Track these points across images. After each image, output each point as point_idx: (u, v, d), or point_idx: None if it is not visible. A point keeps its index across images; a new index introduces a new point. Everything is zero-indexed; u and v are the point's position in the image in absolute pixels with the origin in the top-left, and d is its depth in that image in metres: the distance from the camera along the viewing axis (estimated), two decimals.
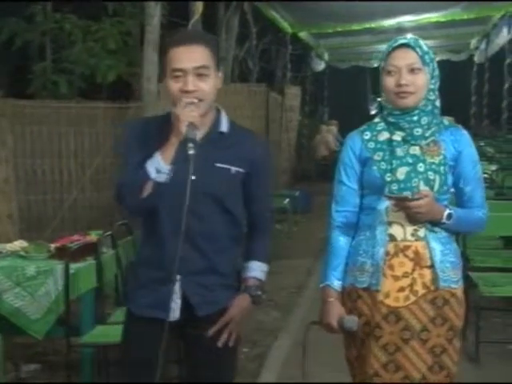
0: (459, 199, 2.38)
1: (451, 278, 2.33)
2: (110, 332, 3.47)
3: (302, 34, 14.88)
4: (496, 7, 12.50)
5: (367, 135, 2.39)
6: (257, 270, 2.34)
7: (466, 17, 12.60)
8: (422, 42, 2.33)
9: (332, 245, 2.42)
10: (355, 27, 13.28)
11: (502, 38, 13.83)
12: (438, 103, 2.36)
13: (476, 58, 17.71)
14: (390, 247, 2.31)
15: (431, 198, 2.24)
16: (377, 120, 2.43)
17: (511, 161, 9.23)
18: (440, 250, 2.32)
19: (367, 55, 16.19)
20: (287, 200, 9.13)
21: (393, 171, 2.30)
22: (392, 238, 2.31)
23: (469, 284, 4.37)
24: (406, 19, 13.02)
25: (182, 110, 2.12)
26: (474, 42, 17.33)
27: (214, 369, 2.32)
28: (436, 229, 2.32)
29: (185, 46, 2.17)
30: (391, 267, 2.31)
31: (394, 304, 2.30)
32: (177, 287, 2.21)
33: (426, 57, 2.31)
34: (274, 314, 5.45)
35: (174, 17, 8.39)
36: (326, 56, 18.10)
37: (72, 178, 7.55)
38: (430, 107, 2.33)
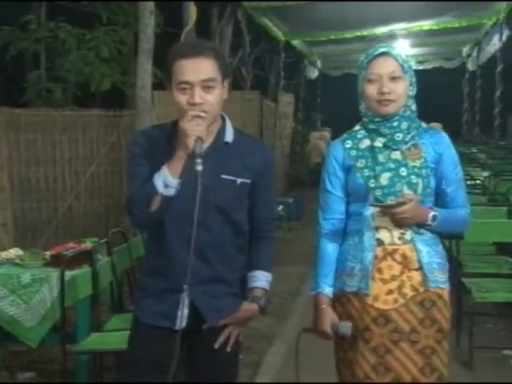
0: (442, 200, 2.40)
1: (439, 279, 2.37)
2: (105, 339, 3.50)
3: (295, 42, 14.94)
4: (486, 15, 12.60)
5: (348, 144, 2.43)
6: (262, 279, 2.33)
7: (457, 25, 12.68)
8: (400, 52, 2.38)
9: (321, 252, 2.46)
10: (348, 35, 13.34)
11: (494, 45, 13.93)
12: (414, 107, 2.40)
13: (468, 66, 17.82)
14: (379, 251, 2.35)
15: (415, 201, 2.28)
16: (357, 128, 2.46)
17: (503, 167, 9.23)
18: (426, 251, 2.36)
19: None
20: (281, 207, 9.16)
21: (376, 177, 2.34)
22: (380, 242, 2.35)
23: (462, 290, 4.41)
24: (399, 27, 13.10)
25: (189, 123, 2.10)
26: (466, 50, 17.40)
27: (215, 373, 2.35)
28: (422, 231, 2.36)
29: (191, 58, 2.15)
30: (380, 271, 2.35)
31: (383, 307, 2.33)
32: (184, 297, 2.22)
33: (406, 65, 2.36)
34: (268, 320, 5.35)
35: (167, 26, 8.44)
36: (319, 64, 18.15)
37: (66, 185, 7.56)
38: (408, 112, 2.37)
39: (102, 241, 4.01)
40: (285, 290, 6.41)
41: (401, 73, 2.33)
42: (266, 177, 2.32)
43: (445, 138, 2.43)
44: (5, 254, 3.98)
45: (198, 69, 2.15)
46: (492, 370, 4.19)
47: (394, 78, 2.33)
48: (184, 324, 2.22)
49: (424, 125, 2.44)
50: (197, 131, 2.10)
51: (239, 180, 2.25)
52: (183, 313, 2.23)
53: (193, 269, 2.17)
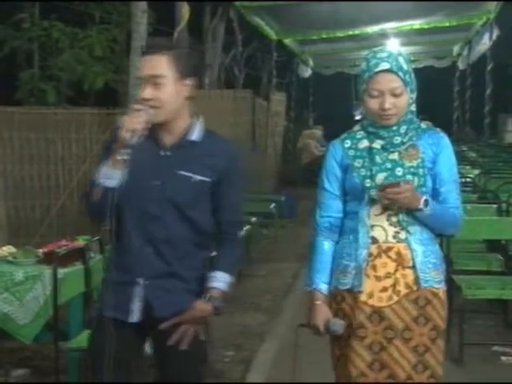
0: (435, 199, 2.41)
1: (433, 279, 2.39)
2: None
3: (287, 41, 14.97)
4: (477, 15, 12.67)
5: (347, 143, 2.45)
6: (220, 280, 2.34)
7: (448, 24, 12.75)
8: (401, 60, 2.34)
9: (317, 249, 2.48)
10: (339, 34, 13.37)
11: (484, 44, 14.00)
12: (413, 108, 2.41)
13: (459, 64, 17.89)
14: (373, 249, 2.38)
15: (412, 184, 2.30)
16: (356, 128, 2.49)
17: (493, 165, 9.29)
18: (422, 251, 2.38)
19: (351, 61, 16.22)
20: (273, 204, 9.18)
21: (372, 177, 2.36)
22: (374, 240, 2.38)
23: (452, 287, 4.42)
24: (390, 26, 13.15)
25: (127, 116, 2.19)
26: (456, 49, 17.47)
27: (178, 372, 2.38)
28: (417, 231, 2.38)
29: (147, 55, 2.26)
30: (374, 268, 2.38)
31: (377, 304, 2.36)
32: (139, 290, 2.29)
33: (407, 77, 2.34)
34: (260, 317, 5.46)
35: (160, 25, 8.46)
36: (311, 62, 18.18)
37: (60, 183, 7.55)
38: (409, 116, 2.39)
39: (95, 238, 4.02)
40: (277, 287, 6.45)
41: (403, 88, 2.33)
42: (229, 178, 2.34)
43: (443, 138, 2.44)
44: None
45: (149, 65, 2.24)
46: (482, 366, 4.24)
47: (395, 94, 2.32)
48: (137, 318, 2.28)
49: (423, 125, 2.45)
50: (134, 124, 2.16)
51: (197, 177, 2.28)
52: (136, 306, 2.28)
53: (148, 263, 2.25)
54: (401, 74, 2.31)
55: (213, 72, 11.72)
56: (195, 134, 2.33)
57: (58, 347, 3.52)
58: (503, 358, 4.39)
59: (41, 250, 3.91)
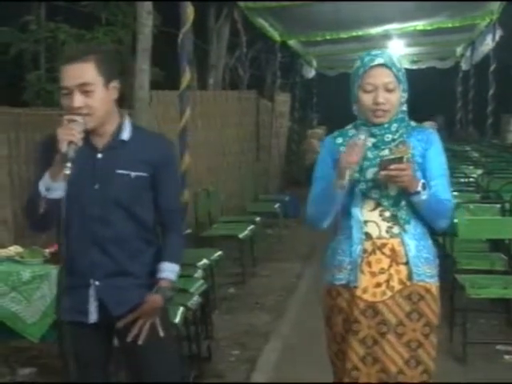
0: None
1: (425, 273, 2.45)
2: None
3: (291, 42, 14.99)
4: (480, 15, 12.69)
5: (339, 140, 2.53)
6: (167, 271, 2.39)
7: (451, 25, 12.76)
8: (395, 59, 2.44)
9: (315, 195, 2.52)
10: (343, 35, 13.37)
11: (487, 45, 14.03)
12: (405, 107, 2.49)
13: (462, 65, 17.90)
14: (368, 245, 2.44)
15: (411, 168, 2.34)
16: (349, 127, 2.57)
17: (496, 165, 9.31)
18: (415, 245, 2.44)
19: (355, 62, 16.22)
20: (277, 205, 9.24)
21: (361, 171, 2.42)
22: (368, 236, 2.44)
23: (455, 286, 4.49)
24: (393, 27, 13.17)
25: (60, 128, 2.17)
26: (459, 50, 17.47)
27: (143, 363, 2.39)
28: (410, 225, 2.44)
29: (68, 64, 2.24)
30: (369, 264, 2.43)
31: (371, 299, 2.42)
32: (92, 291, 2.34)
33: (400, 74, 2.42)
34: (264, 317, 5.48)
35: (165, 26, 8.51)
36: (315, 63, 18.21)
37: None
38: (400, 115, 2.46)
39: None
40: (281, 286, 6.48)
41: (396, 84, 2.40)
42: (164, 170, 2.39)
43: (432, 134, 2.51)
44: (5, 252, 4.00)
45: (74, 74, 2.23)
46: (485, 364, 4.27)
47: (388, 89, 2.39)
48: (95, 318, 2.34)
49: (413, 123, 2.52)
50: (69, 135, 2.15)
51: (134, 173, 2.33)
52: (92, 307, 2.34)
53: (97, 264, 2.30)
54: (394, 69, 2.39)
55: (217, 73, 11.76)
56: (125, 134, 2.37)
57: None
58: (506, 357, 4.42)
59: (47, 250, 3.92)
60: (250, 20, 11.79)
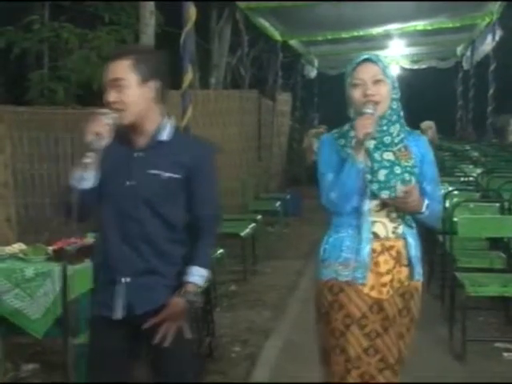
0: (421, 197, 2.53)
1: (419, 272, 2.60)
2: None
3: (292, 42, 15.04)
4: (480, 15, 12.73)
5: (342, 142, 2.56)
6: (195, 275, 2.37)
7: (451, 25, 12.81)
8: (381, 58, 2.55)
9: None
10: (344, 35, 13.43)
11: (487, 45, 14.07)
12: (401, 113, 2.56)
13: (463, 65, 17.93)
14: (376, 245, 2.51)
15: (416, 189, 2.47)
16: (347, 128, 2.58)
17: (496, 164, 9.33)
18: (414, 245, 2.57)
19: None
20: (278, 203, 9.28)
21: (373, 173, 2.49)
22: (376, 235, 2.51)
23: (455, 284, 4.52)
24: (394, 27, 13.21)
25: (91, 121, 2.27)
26: (460, 49, 17.53)
27: (167, 366, 2.41)
28: (412, 225, 2.58)
29: (109, 62, 2.36)
30: (377, 264, 2.51)
31: (378, 296, 2.52)
32: (121, 288, 2.36)
33: (387, 70, 2.52)
34: (265, 313, 5.51)
35: (167, 26, 8.55)
36: (316, 63, 18.25)
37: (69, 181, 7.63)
38: (395, 117, 2.53)
39: None
40: (282, 284, 6.52)
41: (383, 76, 2.48)
42: (198, 174, 2.39)
43: (425, 140, 2.64)
44: (8, 249, 4.02)
45: (111, 70, 2.33)
46: (484, 362, 4.30)
47: (376, 82, 2.47)
48: (120, 314, 2.36)
49: (407, 128, 2.61)
50: (96, 127, 2.24)
51: (165, 174, 2.35)
52: (118, 303, 2.36)
53: (127, 261, 2.33)
54: (380, 64, 2.49)
55: (219, 72, 11.81)
56: (164, 134, 2.40)
57: (68, 342, 3.56)
58: (505, 355, 4.45)
59: (50, 248, 3.94)
60: (251, 20, 11.83)
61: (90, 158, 2.22)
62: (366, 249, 2.49)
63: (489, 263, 5.05)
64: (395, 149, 2.52)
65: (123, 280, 2.36)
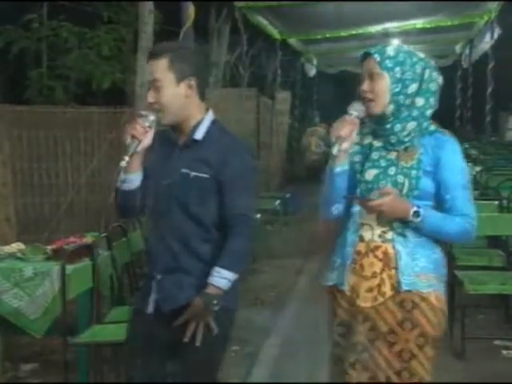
0: (442, 207, 2.28)
1: (418, 282, 2.25)
2: (105, 331, 3.57)
3: (291, 40, 15.05)
4: (478, 14, 12.75)
5: (356, 138, 2.35)
6: (218, 277, 2.30)
7: (450, 23, 12.82)
8: (387, 48, 2.28)
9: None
10: (343, 33, 13.45)
11: (486, 43, 14.08)
12: (425, 111, 2.30)
13: (462, 63, 17.94)
14: (361, 247, 2.31)
15: (394, 195, 2.19)
16: (364, 124, 2.41)
17: (494, 162, 9.34)
18: (406, 253, 2.26)
19: (355, 60, 16.24)
20: (278, 201, 9.29)
21: (362, 172, 2.32)
22: (361, 238, 2.32)
23: (454, 282, 4.47)
24: (392, 25, 13.22)
25: (131, 122, 2.27)
26: (458, 48, 17.54)
27: (191, 362, 2.40)
28: (406, 233, 2.27)
29: (148, 61, 2.34)
30: (361, 267, 2.30)
31: (362, 304, 2.29)
32: (155, 284, 2.41)
33: (387, 61, 2.25)
34: (264, 312, 5.49)
35: (166, 25, 8.54)
36: (315, 61, 18.26)
37: (68, 181, 7.60)
38: (405, 113, 2.27)
39: (103, 235, 4.09)
40: (281, 282, 6.49)
41: (379, 70, 2.24)
42: (227, 173, 2.33)
43: (448, 141, 2.30)
44: (7, 249, 4.01)
45: (150, 71, 2.33)
46: (484, 359, 4.29)
47: (371, 76, 2.26)
48: (152, 309, 2.41)
49: (432, 127, 2.33)
50: (133, 130, 2.25)
51: (193, 173, 2.34)
52: (151, 298, 2.41)
53: (161, 258, 2.38)
54: (377, 56, 2.25)
55: (218, 71, 11.80)
56: (199, 133, 2.38)
57: (67, 342, 3.53)
58: (504, 352, 4.45)
59: (49, 247, 3.94)
60: (250, 19, 11.83)
61: (124, 162, 2.23)
62: (349, 252, 2.32)
63: (488, 261, 5.04)
64: (401, 148, 2.28)
65: (158, 276, 2.41)
